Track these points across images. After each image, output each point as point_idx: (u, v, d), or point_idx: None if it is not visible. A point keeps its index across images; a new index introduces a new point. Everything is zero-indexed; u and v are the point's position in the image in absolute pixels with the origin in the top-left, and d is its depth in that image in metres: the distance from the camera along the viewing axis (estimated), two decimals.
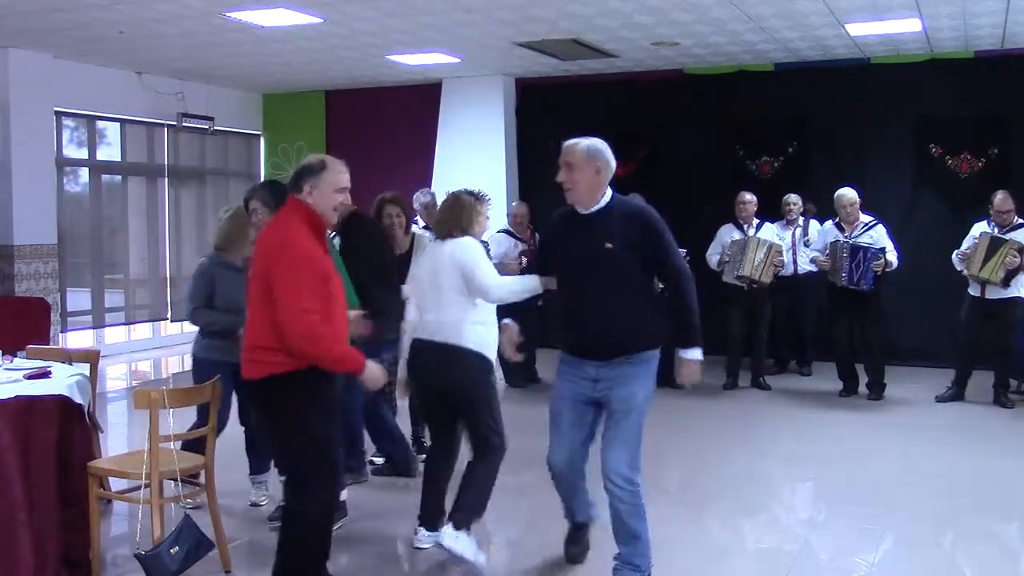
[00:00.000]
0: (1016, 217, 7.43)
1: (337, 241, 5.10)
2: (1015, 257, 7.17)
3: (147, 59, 9.60)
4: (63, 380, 4.11)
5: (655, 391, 3.94)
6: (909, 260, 7.67)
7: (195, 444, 4.32)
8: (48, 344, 8.23)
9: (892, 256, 7.48)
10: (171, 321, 11.28)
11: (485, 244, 5.21)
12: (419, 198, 8.10)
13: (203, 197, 11.70)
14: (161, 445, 3.95)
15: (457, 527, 4.17)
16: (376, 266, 5.02)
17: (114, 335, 10.96)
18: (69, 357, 4.79)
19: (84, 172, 10.53)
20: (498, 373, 4.54)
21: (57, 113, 9.69)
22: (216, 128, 11.31)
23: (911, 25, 7.97)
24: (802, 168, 9.84)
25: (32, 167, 9.18)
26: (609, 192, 3.89)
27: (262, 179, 12.40)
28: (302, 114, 12.04)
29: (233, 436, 5.13)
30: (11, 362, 4.55)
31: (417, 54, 9.36)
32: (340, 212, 4.09)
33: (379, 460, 5.87)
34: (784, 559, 4.41)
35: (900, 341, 8.33)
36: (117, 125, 10.68)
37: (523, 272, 7.32)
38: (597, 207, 3.86)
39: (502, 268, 6.89)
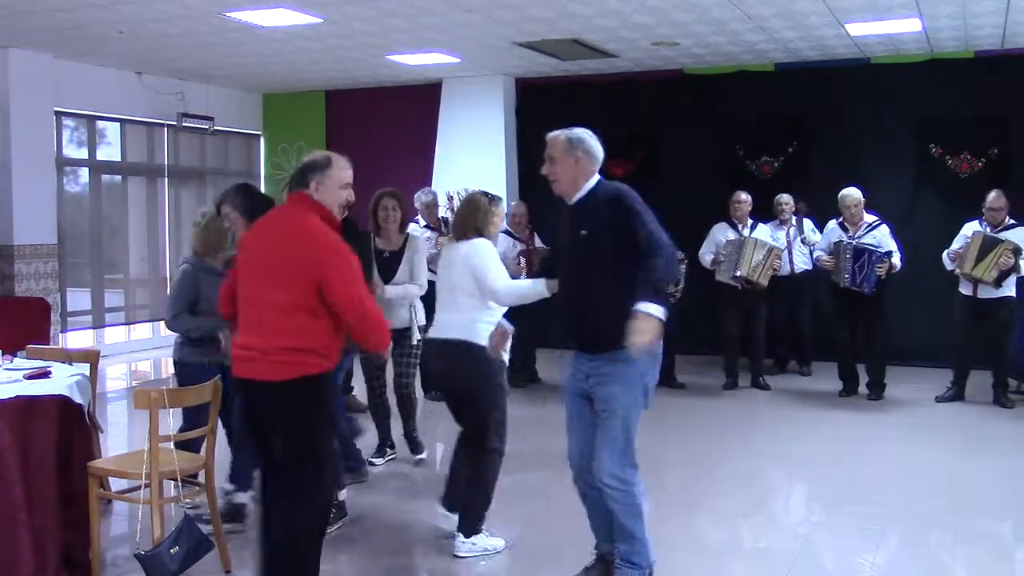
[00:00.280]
0: (1008, 217, 7.44)
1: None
2: (1009, 258, 7.17)
3: (147, 59, 9.60)
4: (63, 380, 4.11)
5: (653, 388, 3.86)
6: (909, 260, 7.67)
7: (189, 444, 4.32)
8: (48, 344, 8.24)
9: (897, 259, 7.48)
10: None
11: None
12: (420, 197, 8.11)
13: (203, 197, 11.70)
14: (161, 445, 3.95)
15: (467, 535, 4.30)
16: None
17: (114, 335, 10.96)
18: (69, 357, 4.79)
19: (84, 172, 10.53)
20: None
21: (57, 113, 9.69)
22: (216, 128, 11.31)
23: (911, 25, 7.97)
24: (802, 168, 9.84)
25: (32, 167, 9.18)
26: (595, 179, 3.85)
27: (262, 179, 12.43)
28: (302, 114, 12.04)
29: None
30: (11, 362, 4.55)
31: (417, 54, 9.37)
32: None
33: (379, 461, 5.88)
34: (784, 559, 4.41)
35: (900, 341, 8.33)
36: (117, 125, 10.68)
37: (527, 271, 7.36)
38: (579, 195, 3.84)
39: None
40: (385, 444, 5.96)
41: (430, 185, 9.84)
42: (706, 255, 8.25)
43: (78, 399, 4.11)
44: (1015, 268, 7.22)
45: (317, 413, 3.53)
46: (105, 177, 10.82)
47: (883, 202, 8.35)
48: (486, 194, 4.65)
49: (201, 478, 4.22)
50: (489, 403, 4.34)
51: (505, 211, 4.74)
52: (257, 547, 3.67)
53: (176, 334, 4.86)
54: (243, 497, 4.64)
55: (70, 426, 4.07)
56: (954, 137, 9.22)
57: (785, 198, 8.62)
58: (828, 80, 9.65)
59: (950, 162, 9.31)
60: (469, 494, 4.37)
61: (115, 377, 9.58)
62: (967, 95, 9.11)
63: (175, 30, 8.09)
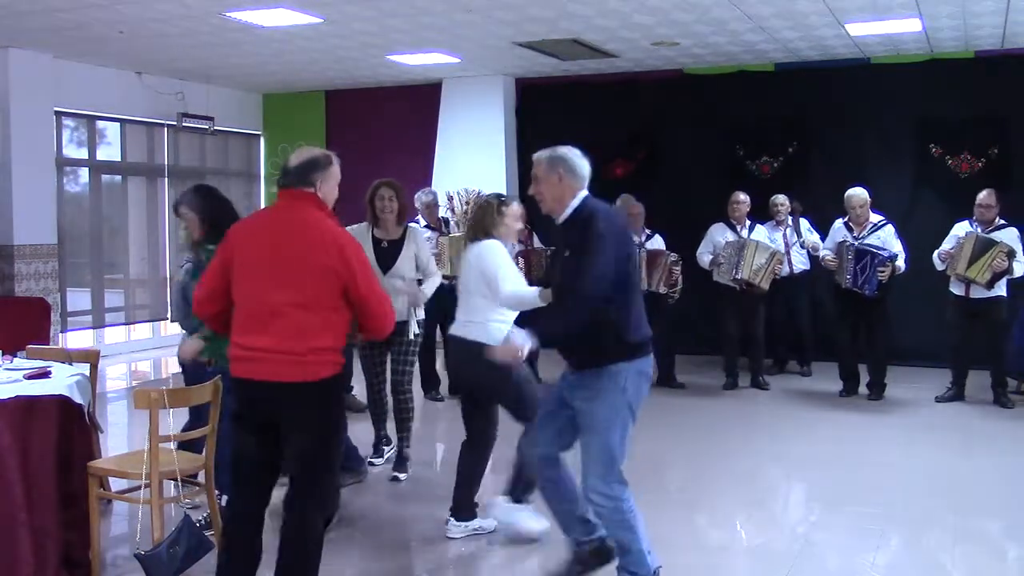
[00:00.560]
0: (999, 217, 7.45)
1: None
2: (1003, 261, 7.17)
3: (147, 59, 9.60)
4: (63, 380, 4.11)
5: (650, 391, 3.86)
6: (909, 260, 7.67)
7: (190, 444, 4.32)
8: (48, 344, 8.24)
9: (901, 261, 7.47)
10: (171, 321, 11.28)
11: None
12: (420, 197, 8.11)
13: None
14: (161, 445, 3.95)
15: (459, 519, 4.60)
16: None
17: (114, 335, 10.96)
18: (69, 357, 4.79)
19: (84, 172, 10.54)
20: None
21: (57, 113, 9.69)
22: (216, 128, 11.32)
23: (911, 25, 7.97)
24: (802, 168, 9.84)
25: (32, 167, 9.18)
26: (580, 196, 3.81)
27: (262, 179, 12.44)
28: (302, 114, 12.04)
29: None
30: (11, 362, 4.55)
31: (417, 54, 9.37)
32: None
33: (378, 461, 5.87)
34: (784, 559, 4.41)
35: (900, 341, 8.33)
36: (117, 125, 10.68)
37: (525, 272, 7.36)
38: (564, 215, 3.84)
39: None
40: (381, 443, 5.94)
41: (430, 185, 9.83)
42: (704, 255, 8.25)
43: (78, 399, 4.11)
44: (1008, 270, 7.23)
45: (338, 411, 3.62)
46: (105, 177, 10.82)
47: (883, 202, 8.35)
48: (498, 196, 4.78)
49: (201, 478, 4.22)
50: (509, 400, 4.49)
51: (519, 212, 4.77)
52: (239, 543, 3.59)
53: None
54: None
55: (70, 426, 4.07)
56: (954, 137, 9.22)
57: (781, 199, 8.60)
58: (828, 80, 9.65)
59: (950, 162, 9.31)
60: (463, 483, 4.60)
61: (115, 377, 9.58)
62: (967, 95, 9.11)
63: (175, 30, 8.09)
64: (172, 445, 4.09)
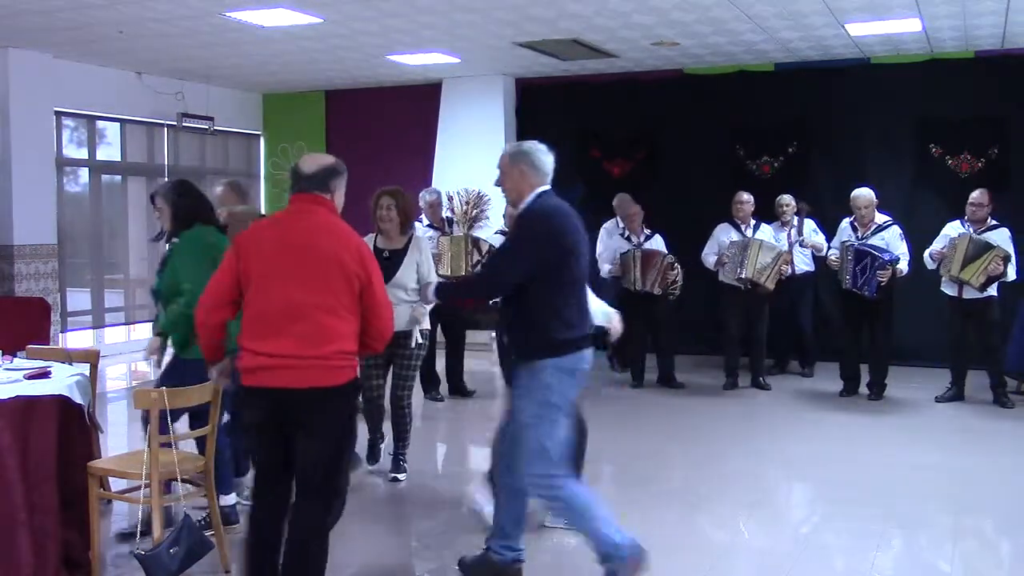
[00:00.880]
0: (991, 217, 7.45)
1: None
2: (999, 265, 7.17)
3: (147, 59, 9.60)
4: (63, 380, 4.11)
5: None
6: (910, 260, 7.68)
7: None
8: (48, 344, 8.23)
9: (903, 264, 7.46)
10: None
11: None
12: (424, 197, 8.12)
13: None
14: (161, 445, 3.95)
15: None
16: None
17: (114, 335, 10.96)
18: (69, 357, 4.79)
19: (84, 172, 10.53)
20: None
21: (57, 113, 9.69)
22: (216, 128, 11.32)
23: (911, 25, 7.97)
24: (802, 168, 9.84)
25: (32, 167, 9.18)
26: (536, 192, 3.91)
27: (262, 179, 12.44)
28: (302, 114, 12.04)
29: None
30: (11, 362, 4.55)
31: (417, 54, 9.37)
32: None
33: (374, 466, 5.79)
34: (784, 559, 4.41)
35: (900, 341, 8.33)
36: (117, 125, 10.68)
37: None
38: (521, 208, 3.94)
39: None
40: (376, 448, 5.80)
41: (430, 185, 9.83)
42: (709, 256, 8.25)
43: (78, 399, 4.11)
44: (1003, 274, 7.23)
45: (354, 415, 3.65)
46: (105, 177, 10.82)
47: (883, 202, 8.33)
48: None
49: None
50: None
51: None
52: (253, 549, 3.59)
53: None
54: (226, 500, 4.61)
55: (70, 426, 4.07)
56: (954, 137, 9.23)
57: (786, 199, 8.59)
58: (828, 80, 9.65)
59: (950, 162, 9.31)
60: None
61: (115, 377, 9.58)
62: (967, 95, 9.11)
63: (175, 30, 8.09)
64: (172, 445, 4.09)
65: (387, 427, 5.86)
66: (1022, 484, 5.62)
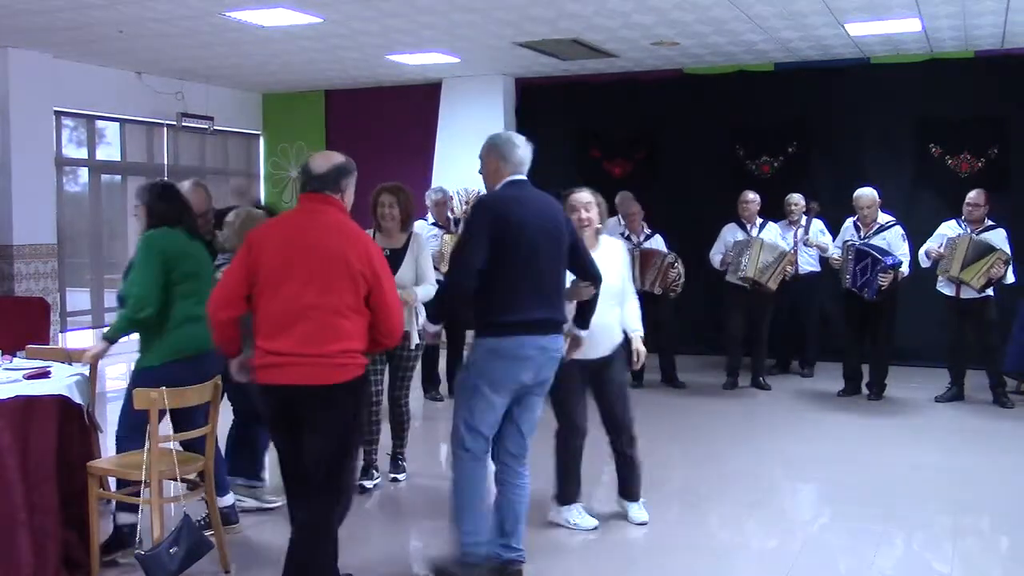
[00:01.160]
0: (987, 218, 7.44)
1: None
2: (1000, 268, 7.17)
3: (147, 59, 9.60)
4: (63, 380, 4.11)
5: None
6: (912, 262, 7.68)
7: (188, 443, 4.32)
8: (48, 344, 8.22)
9: (905, 267, 7.45)
10: None
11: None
12: (430, 195, 8.16)
13: None
14: (161, 445, 3.95)
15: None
16: None
17: None
18: (69, 357, 4.79)
19: (84, 172, 10.53)
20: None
21: (57, 113, 9.69)
22: (216, 128, 11.31)
23: (911, 25, 7.97)
24: (802, 168, 9.84)
25: (32, 167, 9.18)
26: (504, 182, 4.00)
27: (262, 179, 12.43)
28: (302, 114, 12.04)
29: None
30: (11, 362, 4.55)
31: (417, 54, 9.37)
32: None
33: (368, 483, 5.60)
34: (784, 559, 4.41)
35: (900, 341, 8.33)
36: (117, 125, 10.68)
37: None
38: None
39: None
40: (371, 466, 5.55)
41: (430, 185, 9.83)
42: (715, 256, 8.25)
43: (78, 399, 4.11)
44: (1003, 277, 7.22)
45: (360, 412, 3.70)
46: (105, 177, 10.82)
47: (883, 202, 8.33)
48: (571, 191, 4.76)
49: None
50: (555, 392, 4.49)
51: (589, 200, 4.64)
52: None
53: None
54: (225, 500, 4.61)
55: (70, 426, 4.07)
56: (954, 137, 9.23)
57: (796, 198, 8.54)
58: (828, 80, 9.65)
59: (950, 162, 9.31)
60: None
61: (115, 377, 9.57)
62: (967, 95, 9.11)
63: (175, 30, 8.09)
64: (172, 445, 4.09)
65: (385, 427, 5.86)
66: (1022, 484, 5.61)
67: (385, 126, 11.40)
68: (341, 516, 3.73)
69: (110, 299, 10.78)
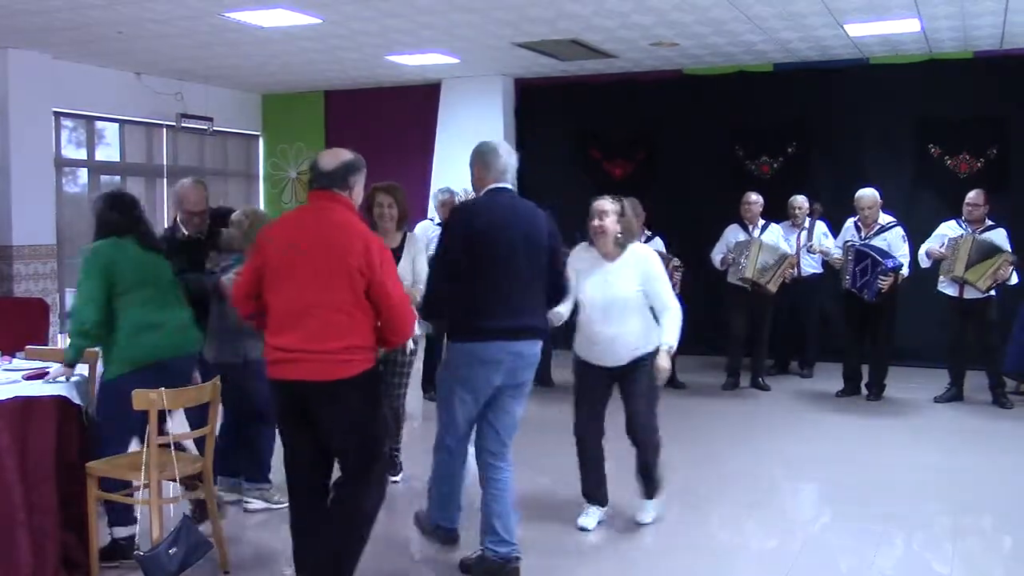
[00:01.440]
0: (987, 218, 7.44)
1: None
2: (1006, 271, 7.16)
3: (146, 59, 9.59)
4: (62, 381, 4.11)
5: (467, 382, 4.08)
6: (912, 263, 7.68)
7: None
8: (47, 344, 8.22)
9: (904, 269, 7.44)
10: None
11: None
12: (437, 196, 8.16)
13: None
14: (160, 446, 3.94)
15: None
16: None
17: None
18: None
19: (83, 172, 10.52)
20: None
21: (56, 113, 9.68)
22: (215, 129, 11.31)
23: (910, 25, 7.97)
24: (801, 168, 9.84)
25: (31, 167, 9.17)
26: (488, 189, 4.12)
27: (261, 180, 12.43)
28: (301, 115, 12.03)
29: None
30: (10, 363, 4.55)
31: (416, 54, 9.36)
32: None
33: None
34: (784, 559, 4.41)
35: (899, 341, 8.33)
36: (116, 125, 10.67)
37: None
38: None
39: None
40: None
41: (430, 186, 9.84)
42: (716, 256, 8.25)
43: (77, 399, 4.11)
44: (1008, 279, 7.22)
45: (374, 400, 3.70)
46: (104, 178, 10.81)
47: (883, 202, 8.36)
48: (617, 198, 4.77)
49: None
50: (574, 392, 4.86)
51: (605, 209, 4.64)
52: (294, 538, 3.75)
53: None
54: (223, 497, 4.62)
55: (69, 426, 4.06)
56: (953, 137, 9.22)
57: (799, 201, 8.53)
58: (827, 80, 9.65)
59: (949, 162, 9.31)
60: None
61: None
62: (966, 95, 9.11)
63: (174, 30, 8.09)
64: (172, 446, 4.08)
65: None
66: (1021, 484, 5.62)
67: (384, 127, 11.39)
68: (373, 504, 3.71)
69: None
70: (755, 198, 8.23)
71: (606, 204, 4.63)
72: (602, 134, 10.65)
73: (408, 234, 5.56)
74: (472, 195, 4.50)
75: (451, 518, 4.24)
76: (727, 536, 4.78)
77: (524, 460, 4.92)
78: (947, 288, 7.54)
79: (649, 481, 4.85)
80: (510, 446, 4.18)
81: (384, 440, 3.76)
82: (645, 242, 8.16)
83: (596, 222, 4.59)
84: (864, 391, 7.92)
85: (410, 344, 5.36)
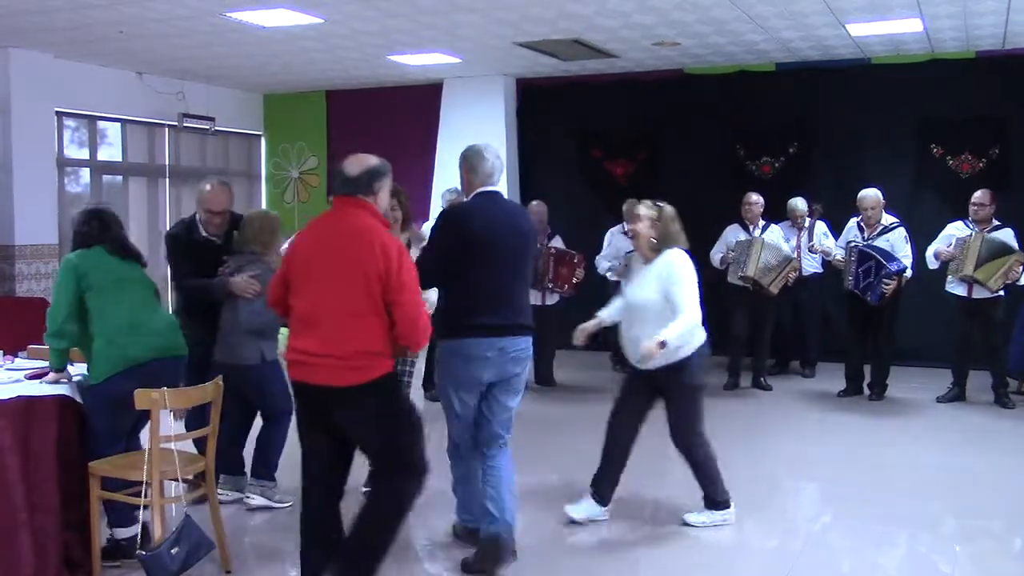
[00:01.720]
0: (994, 218, 7.43)
1: None
2: (1017, 271, 7.14)
3: (148, 59, 9.60)
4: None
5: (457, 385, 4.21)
6: (914, 264, 7.67)
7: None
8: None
9: (908, 272, 7.44)
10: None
11: None
12: (445, 195, 8.19)
13: None
14: (161, 445, 3.95)
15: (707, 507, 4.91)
16: None
17: None
18: (70, 357, 4.79)
19: (85, 172, 10.53)
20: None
21: (58, 113, 9.69)
22: (217, 128, 11.31)
23: (912, 25, 7.96)
24: (803, 168, 9.84)
25: (33, 167, 9.17)
26: (477, 192, 4.24)
27: (263, 179, 12.44)
28: (303, 114, 12.04)
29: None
30: (12, 362, 4.57)
31: (418, 54, 9.36)
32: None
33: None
34: (785, 559, 4.41)
35: (900, 341, 8.33)
36: (118, 125, 10.67)
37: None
38: None
39: None
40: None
41: (431, 186, 9.85)
42: (715, 255, 8.25)
43: (79, 399, 4.11)
44: (1019, 279, 7.21)
45: (394, 402, 3.70)
46: (106, 177, 10.81)
47: (885, 203, 8.35)
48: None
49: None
50: None
51: (637, 214, 4.77)
52: (302, 538, 3.78)
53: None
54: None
55: (71, 426, 4.07)
56: (955, 137, 9.22)
57: (799, 204, 8.51)
58: (829, 80, 9.64)
59: (951, 162, 9.30)
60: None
61: None
62: (968, 95, 9.11)
63: (175, 30, 8.09)
64: (172, 445, 4.08)
65: None
66: (1023, 484, 5.61)
67: (386, 126, 11.39)
68: (396, 509, 3.70)
69: None
70: (756, 198, 8.23)
71: (639, 209, 4.73)
72: (603, 134, 10.65)
73: (415, 234, 5.55)
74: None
75: (476, 517, 4.33)
76: (728, 536, 4.78)
77: (525, 460, 4.93)
78: (955, 288, 7.53)
79: (706, 482, 4.88)
80: (507, 436, 4.31)
81: (411, 443, 3.71)
82: None
83: (629, 226, 4.75)
84: (866, 391, 7.92)
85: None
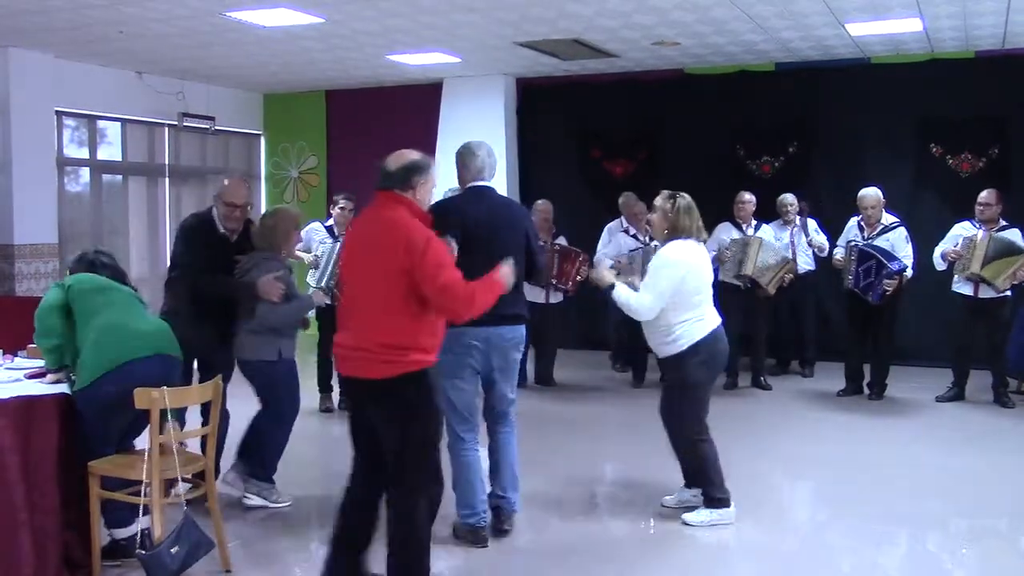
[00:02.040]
0: (1000, 218, 7.43)
1: None
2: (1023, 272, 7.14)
3: (147, 59, 9.60)
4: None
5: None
6: (914, 263, 7.67)
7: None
8: None
9: (909, 272, 7.44)
10: None
11: None
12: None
13: (204, 197, 11.68)
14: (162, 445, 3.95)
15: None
16: None
17: None
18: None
19: (85, 172, 10.53)
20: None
21: (58, 113, 9.69)
22: (217, 128, 11.32)
23: (911, 25, 7.97)
24: (803, 168, 9.84)
25: (33, 167, 9.18)
26: (466, 187, 4.49)
27: (263, 179, 12.44)
28: (303, 114, 12.04)
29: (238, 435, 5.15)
30: (12, 361, 4.57)
31: (418, 54, 9.37)
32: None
33: None
34: (785, 558, 4.41)
35: (900, 341, 8.34)
36: (118, 125, 10.67)
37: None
38: None
39: None
40: None
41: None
42: (709, 253, 8.23)
43: None
44: None
45: (422, 407, 3.64)
46: (106, 177, 10.82)
47: (885, 202, 8.36)
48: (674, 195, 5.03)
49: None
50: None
51: (665, 207, 4.96)
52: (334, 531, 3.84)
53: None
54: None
55: (71, 426, 4.07)
56: (955, 137, 9.22)
57: (789, 198, 8.54)
58: (828, 80, 9.65)
59: (951, 162, 9.31)
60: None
61: None
62: (968, 95, 9.11)
63: (175, 30, 8.09)
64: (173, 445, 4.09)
65: None
66: (1023, 483, 5.61)
67: (386, 126, 11.39)
68: (410, 509, 3.67)
69: None
70: (748, 197, 8.25)
71: (657, 200, 4.94)
72: (603, 133, 10.66)
73: None
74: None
75: (477, 512, 4.44)
76: (727, 535, 4.78)
77: (524, 460, 4.93)
78: (962, 287, 7.51)
79: (701, 476, 4.91)
80: (510, 414, 4.58)
81: (429, 447, 3.69)
82: (651, 241, 8.18)
83: (649, 216, 5.04)
84: (866, 391, 7.92)
85: None
